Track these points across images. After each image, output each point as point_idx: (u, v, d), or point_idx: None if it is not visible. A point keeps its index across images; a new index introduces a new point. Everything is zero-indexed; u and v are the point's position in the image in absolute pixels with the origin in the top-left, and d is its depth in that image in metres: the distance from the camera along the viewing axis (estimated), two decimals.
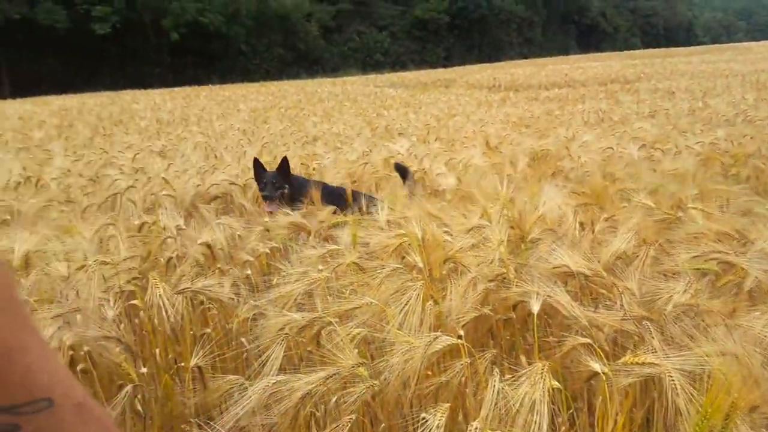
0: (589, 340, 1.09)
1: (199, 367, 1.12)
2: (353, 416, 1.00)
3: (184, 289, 1.26)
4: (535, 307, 1.24)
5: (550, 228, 1.73)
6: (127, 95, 19.66)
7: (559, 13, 60.04)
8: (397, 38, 50.92)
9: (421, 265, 1.54)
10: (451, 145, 4.74)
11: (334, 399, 1.04)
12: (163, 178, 2.71)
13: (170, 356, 1.37)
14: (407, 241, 1.64)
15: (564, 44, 57.04)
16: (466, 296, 1.35)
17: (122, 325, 1.32)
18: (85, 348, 1.08)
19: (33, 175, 3.25)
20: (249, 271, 1.89)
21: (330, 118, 9.29)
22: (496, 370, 1.01)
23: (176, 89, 24.61)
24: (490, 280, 1.47)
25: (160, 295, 1.15)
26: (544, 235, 1.75)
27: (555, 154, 3.82)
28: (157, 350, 1.22)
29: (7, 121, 9.33)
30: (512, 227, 1.93)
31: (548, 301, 1.30)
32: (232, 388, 1.22)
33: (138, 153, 4.23)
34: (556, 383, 0.95)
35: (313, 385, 1.00)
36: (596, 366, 0.98)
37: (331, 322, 1.18)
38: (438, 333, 1.07)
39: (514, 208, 2.08)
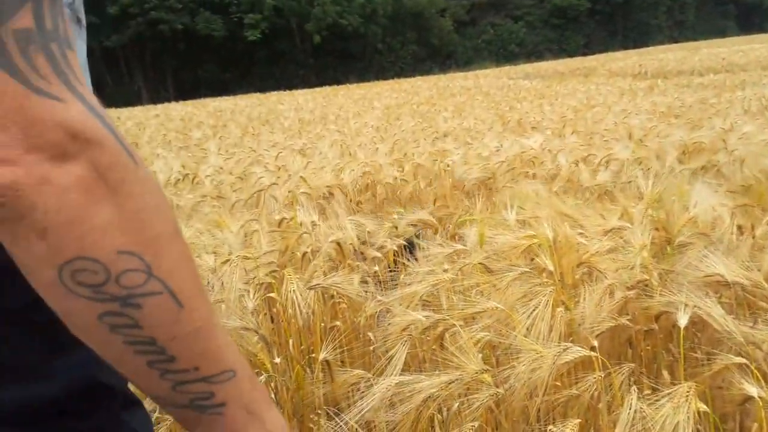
0: (744, 360, 0.97)
1: (327, 361, 1.17)
2: (476, 423, 0.98)
3: (315, 285, 1.31)
4: (683, 320, 1.13)
5: (702, 232, 1.57)
6: (274, 96, 21.01)
7: None
8: (534, 27, 49.23)
9: (551, 268, 1.47)
10: (590, 139, 4.48)
11: (456, 404, 1.03)
12: (301, 177, 2.85)
13: (303, 347, 1.44)
14: (537, 242, 1.57)
15: (721, 26, 51.53)
16: (601, 304, 1.27)
17: (260, 316, 1.41)
18: None
19: (190, 173, 3.58)
20: (377, 268, 1.93)
21: (461, 112, 9.22)
22: (634, 387, 0.93)
23: (317, 89, 25.88)
24: (630, 288, 1.36)
25: (293, 290, 1.21)
26: (694, 238, 1.59)
27: (709, 147, 3.47)
28: (291, 341, 1.28)
29: (171, 123, 10.39)
30: (657, 229, 1.78)
31: (698, 313, 1.18)
32: (359, 381, 1.25)
33: (281, 152, 4.50)
34: (704, 406, 0.86)
35: (436, 389, 0.99)
36: (752, 390, 0.87)
37: (454, 324, 1.16)
38: (569, 343, 1.01)
39: (660, 207, 1.92)
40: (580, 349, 1.01)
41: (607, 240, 1.58)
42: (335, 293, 1.73)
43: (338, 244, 1.72)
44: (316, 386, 1.32)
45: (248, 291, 1.45)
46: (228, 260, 1.32)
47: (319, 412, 1.24)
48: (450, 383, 1.03)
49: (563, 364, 1.00)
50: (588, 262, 1.42)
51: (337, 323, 1.67)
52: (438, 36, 44.66)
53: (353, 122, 8.64)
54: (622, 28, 51.35)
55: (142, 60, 37.69)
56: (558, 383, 1.13)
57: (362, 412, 1.05)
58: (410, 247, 2.52)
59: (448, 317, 1.17)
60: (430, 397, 0.98)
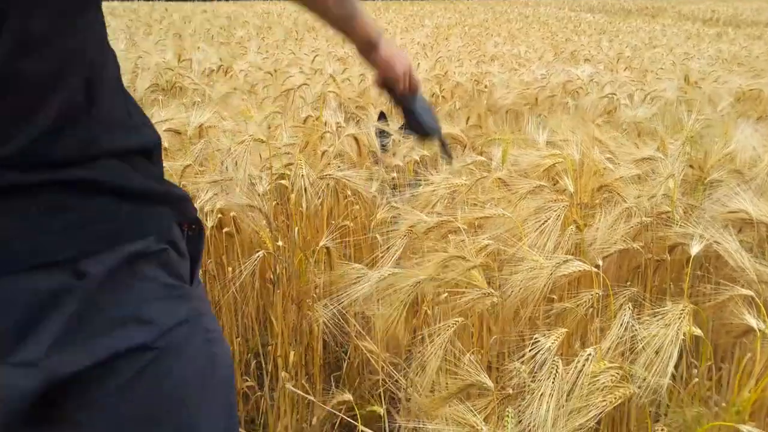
0: (750, 292, 0.93)
1: (328, 249, 1.17)
2: (460, 319, 0.98)
3: (326, 175, 1.30)
4: (695, 249, 1.09)
5: (736, 169, 1.49)
6: None
7: None
8: None
9: (571, 189, 1.42)
10: (643, 76, 4.25)
11: (444, 295, 1.02)
12: (330, 75, 2.79)
13: (308, 238, 1.45)
14: (562, 162, 1.51)
15: None
16: (615, 227, 1.22)
17: (271, 203, 1.41)
18: (232, 213, 1.17)
19: (225, 65, 3.54)
20: (395, 174, 1.90)
21: (514, 39, 8.82)
22: (629, 305, 0.91)
23: (368, 1, 24.99)
24: (648, 215, 1.31)
25: (302, 175, 1.20)
26: (728, 176, 1.51)
27: (766, 97, 3.25)
28: (296, 228, 1.29)
29: (216, 20, 10.23)
30: (691, 166, 1.70)
31: (714, 247, 1.13)
32: (360, 276, 1.26)
33: (318, 56, 4.40)
34: (698, 330, 0.83)
35: (425, 276, 0.98)
36: (752, 321, 0.84)
37: (459, 227, 1.14)
38: (570, 256, 0.98)
39: (700, 146, 1.82)
40: (580, 263, 0.98)
41: (635, 168, 1.51)
42: (349, 193, 1.72)
43: (356, 139, 1.69)
44: (316, 274, 1.34)
45: (261, 177, 1.44)
46: (243, 141, 1.30)
47: (315, 297, 1.26)
48: (441, 265, 1.02)
49: (562, 276, 0.97)
50: (610, 186, 1.37)
51: (348, 223, 1.67)
52: None
53: (399, 38, 8.36)
54: None
55: None
56: (555, 296, 1.12)
57: (355, 298, 1.06)
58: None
59: (453, 219, 1.15)
60: (419, 282, 0.97)
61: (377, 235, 1.63)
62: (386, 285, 1.01)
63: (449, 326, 0.90)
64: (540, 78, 4.00)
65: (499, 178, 1.58)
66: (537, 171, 1.59)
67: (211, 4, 17.90)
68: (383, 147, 2.25)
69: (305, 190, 1.18)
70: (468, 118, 2.80)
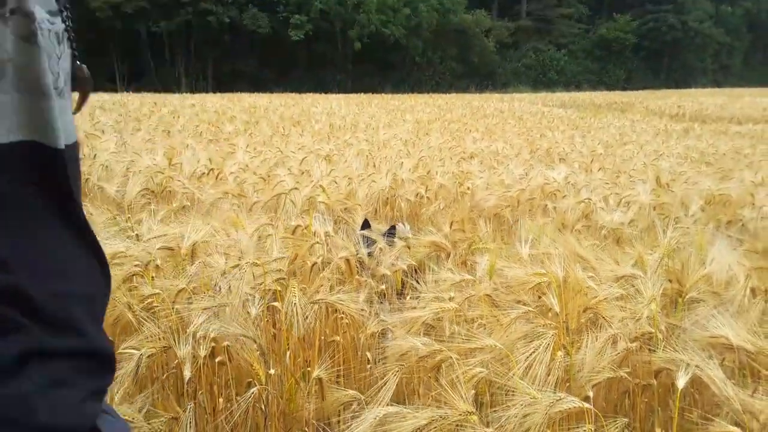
0: (738, 430, 0.95)
1: (320, 379, 1.17)
2: None
3: (318, 300, 1.32)
4: (681, 381, 1.12)
5: (714, 291, 1.55)
6: (309, 98, 21.21)
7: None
8: (576, 57, 48.93)
9: (557, 309, 1.46)
10: (616, 177, 4.44)
11: None
12: (320, 186, 2.87)
13: (299, 359, 1.45)
14: (547, 281, 1.56)
15: None
16: (602, 354, 1.25)
17: (262, 323, 1.42)
18: (225, 343, 1.18)
19: (216, 168, 3.63)
20: (384, 286, 1.93)
21: (491, 135, 9.19)
22: None
23: (352, 95, 26.04)
24: (633, 340, 1.35)
25: (295, 302, 1.22)
26: (705, 296, 1.57)
27: (735, 201, 3.41)
28: (288, 353, 1.29)
29: (205, 114, 10.55)
30: (670, 280, 1.76)
31: (698, 373, 1.16)
32: (352, 401, 1.26)
33: (306, 156, 4.53)
34: None
35: (424, 421, 0.99)
36: None
37: (451, 357, 1.16)
38: (563, 394, 1.00)
39: (677, 258, 1.89)
40: (574, 399, 1.00)
41: (617, 287, 1.56)
42: (337, 307, 1.74)
43: (347, 260, 1.73)
44: (308, 401, 1.33)
45: (254, 297, 1.46)
46: (238, 265, 1.33)
47: (312, 423, 1.24)
48: (436, 420, 1.03)
49: (556, 413, 0.99)
50: (595, 308, 1.41)
51: (337, 338, 1.68)
52: (479, 55, 44.65)
53: (383, 133, 8.67)
54: (666, 67, 50.73)
55: (186, 48, 38.36)
56: (548, 430, 1.12)
57: None
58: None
59: (445, 349, 1.17)
60: (416, 430, 0.98)
61: (368, 353, 1.64)
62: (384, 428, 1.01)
63: None
64: (519, 179, 4.15)
65: (487, 295, 1.62)
66: (523, 288, 1.63)
67: (200, 97, 18.48)
68: (369, 254, 2.30)
69: (297, 319, 1.20)
70: (452, 223, 2.88)
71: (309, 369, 1.38)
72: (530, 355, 1.16)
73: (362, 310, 1.43)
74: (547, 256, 1.85)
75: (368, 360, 1.59)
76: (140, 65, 37.19)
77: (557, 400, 0.99)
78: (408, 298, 2.02)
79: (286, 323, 1.23)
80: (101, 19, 33.96)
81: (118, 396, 1.11)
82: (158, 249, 1.65)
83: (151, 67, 37.69)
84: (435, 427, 1.00)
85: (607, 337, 1.28)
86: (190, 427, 1.07)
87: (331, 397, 1.22)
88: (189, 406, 1.09)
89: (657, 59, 50.48)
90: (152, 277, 1.52)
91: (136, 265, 1.47)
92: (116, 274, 1.40)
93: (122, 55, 36.27)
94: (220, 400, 1.22)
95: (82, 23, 34.14)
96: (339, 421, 1.34)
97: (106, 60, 35.90)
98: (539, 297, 1.64)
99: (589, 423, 1.01)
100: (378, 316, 1.70)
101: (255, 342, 1.15)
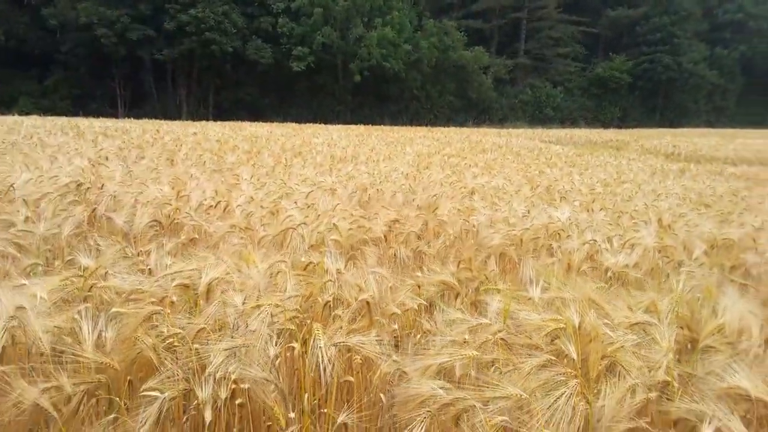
0: None
1: (346, 425, 1.17)
2: None
3: (338, 343, 1.33)
4: None
5: (728, 341, 1.56)
6: (309, 128, 21.40)
7: (761, 82, 54.33)
8: (572, 94, 49.71)
9: (574, 356, 1.47)
10: (618, 218, 4.47)
11: None
12: (334, 224, 2.89)
13: (315, 401, 1.45)
14: (562, 327, 1.57)
15: (761, 117, 51.33)
16: (622, 403, 1.26)
17: (280, 363, 1.42)
18: (245, 385, 1.18)
19: (222, 200, 3.65)
20: (396, 326, 1.93)
21: (491, 170, 9.27)
22: None
23: (352, 126, 26.29)
24: (651, 389, 1.35)
25: (320, 346, 1.22)
26: (719, 344, 1.58)
27: (738, 244, 3.44)
28: (306, 395, 1.29)
29: (207, 143, 10.61)
30: (681, 327, 1.77)
31: (719, 426, 1.17)
32: None
33: (312, 191, 4.56)
34: None
35: None
36: None
37: (474, 405, 1.16)
38: None
39: (687, 305, 1.91)
40: None
41: (632, 334, 1.57)
42: (353, 348, 1.74)
43: (367, 303, 1.73)
44: None
45: (271, 336, 1.47)
46: (259, 305, 1.34)
47: None
48: None
49: None
50: (613, 356, 1.42)
51: (350, 378, 1.67)
52: (477, 90, 45.30)
53: (383, 165, 8.74)
54: (661, 106, 51.54)
55: (189, 76, 38.78)
56: None
57: None
58: None
59: (469, 397, 1.17)
60: None
61: (381, 395, 1.63)
62: None
63: None
64: (522, 216, 4.19)
65: (502, 339, 1.63)
66: (538, 333, 1.64)
67: (201, 125, 18.62)
68: None
69: (323, 360, 1.21)
70: (459, 262, 2.89)
71: (324, 411, 1.38)
72: (552, 404, 1.17)
73: (382, 354, 1.43)
74: (560, 300, 1.86)
75: (381, 401, 1.58)
76: (142, 91, 37.55)
77: None
78: (418, 337, 2.02)
79: (310, 366, 1.23)
80: (105, 45, 34.39)
81: None
82: (174, 286, 1.66)
83: (153, 94, 38.05)
84: None
85: (627, 387, 1.28)
86: None
87: None
88: None
89: (652, 98, 51.33)
90: (167, 313, 1.52)
91: (153, 302, 1.47)
92: (136, 312, 1.41)
93: (124, 81, 36.66)
94: None
95: (86, 48, 34.61)
96: None
97: (108, 85, 36.27)
98: (552, 341, 1.65)
99: None
100: (391, 357, 1.70)
101: (276, 385, 1.15)
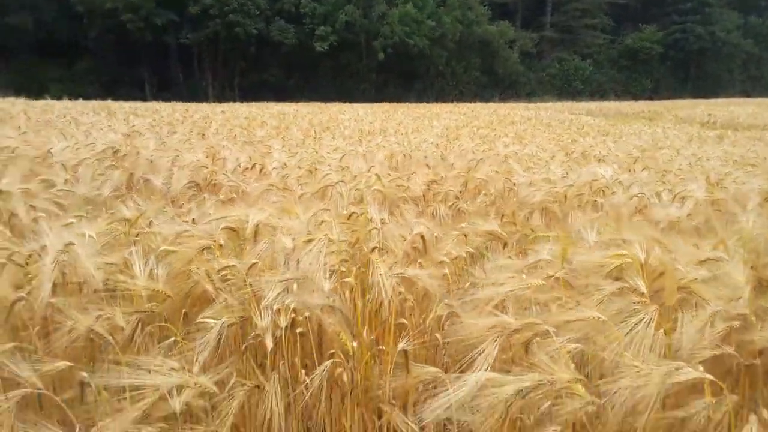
0: None
1: (405, 351, 1.11)
2: (558, 428, 0.91)
3: (398, 273, 1.27)
4: None
5: None
6: (335, 107, 21.32)
7: None
8: (601, 66, 48.49)
9: (643, 289, 1.39)
10: (662, 176, 4.32)
11: (546, 404, 0.96)
12: (376, 174, 2.83)
13: (372, 337, 1.40)
14: (628, 261, 1.49)
15: None
16: (703, 332, 1.17)
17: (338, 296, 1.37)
18: (306, 313, 1.13)
19: (257, 164, 3.61)
20: (446, 270, 1.87)
21: (522, 140, 9.09)
22: (754, 416, 0.84)
23: (377, 104, 26.12)
24: (732, 319, 1.26)
25: (381, 274, 1.17)
26: None
27: None
28: (365, 329, 1.24)
29: (236, 119, 10.64)
30: (752, 267, 1.67)
31: None
32: (434, 379, 1.19)
33: (345, 154, 4.51)
34: None
35: (526, 384, 0.92)
36: None
37: (547, 330, 1.09)
38: (680, 363, 0.93)
39: (753, 248, 1.80)
40: (691, 370, 0.93)
41: (703, 270, 1.48)
42: (402, 290, 1.68)
43: (422, 237, 1.67)
44: (384, 380, 1.27)
45: (325, 271, 1.42)
46: (311, 240, 1.29)
47: (392, 403, 1.18)
48: (539, 385, 0.96)
49: (673, 384, 0.92)
50: (688, 288, 1.33)
51: (403, 320, 1.62)
52: (503, 65, 44.52)
53: (413, 137, 8.63)
54: (694, 76, 50.01)
55: (214, 59, 38.93)
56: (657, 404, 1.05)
57: (445, 407, 0.99)
58: None
59: (540, 322, 1.10)
60: (519, 392, 0.91)
61: (437, 335, 1.58)
62: (483, 392, 0.95)
63: None
64: (561, 177, 4.07)
65: (564, 277, 1.55)
66: (600, 271, 1.56)
67: (229, 105, 18.72)
68: None
69: (385, 291, 1.15)
70: (502, 216, 2.81)
71: (381, 347, 1.33)
72: (631, 329, 1.09)
73: (439, 285, 1.37)
74: (620, 240, 1.77)
75: (436, 339, 1.53)
76: (168, 76, 37.85)
77: (676, 369, 0.91)
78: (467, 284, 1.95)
79: (370, 297, 1.18)
80: (131, 31, 34.68)
81: (197, 366, 1.07)
82: (222, 229, 1.62)
83: (180, 78, 38.33)
84: (540, 394, 0.93)
85: (708, 316, 1.20)
86: (275, 396, 1.02)
87: (413, 372, 1.16)
88: (274, 376, 1.05)
89: (683, 69, 49.79)
90: (217, 255, 1.48)
91: (204, 239, 1.43)
92: (187, 249, 1.37)
93: (151, 66, 36.98)
94: (303, 371, 1.17)
95: (114, 34, 34.96)
96: (415, 403, 1.28)
97: (136, 70, 36.65)
98: (616, 279, 1.57)
99: (708, 396, 0.93)
100: (443, 300, 1.64)
101: (341, 311, 1.10)
